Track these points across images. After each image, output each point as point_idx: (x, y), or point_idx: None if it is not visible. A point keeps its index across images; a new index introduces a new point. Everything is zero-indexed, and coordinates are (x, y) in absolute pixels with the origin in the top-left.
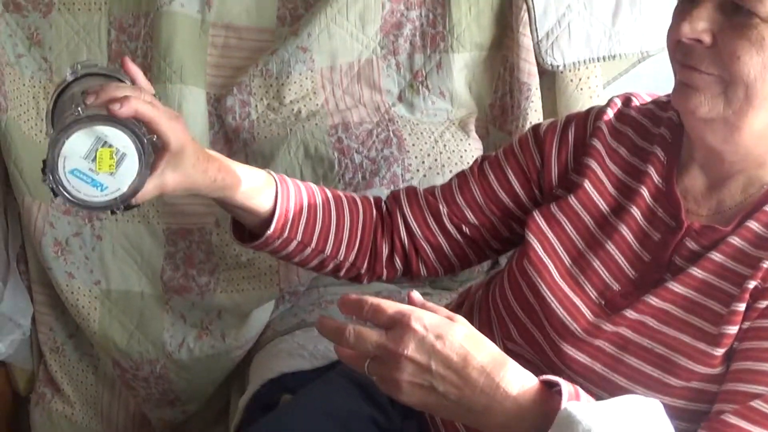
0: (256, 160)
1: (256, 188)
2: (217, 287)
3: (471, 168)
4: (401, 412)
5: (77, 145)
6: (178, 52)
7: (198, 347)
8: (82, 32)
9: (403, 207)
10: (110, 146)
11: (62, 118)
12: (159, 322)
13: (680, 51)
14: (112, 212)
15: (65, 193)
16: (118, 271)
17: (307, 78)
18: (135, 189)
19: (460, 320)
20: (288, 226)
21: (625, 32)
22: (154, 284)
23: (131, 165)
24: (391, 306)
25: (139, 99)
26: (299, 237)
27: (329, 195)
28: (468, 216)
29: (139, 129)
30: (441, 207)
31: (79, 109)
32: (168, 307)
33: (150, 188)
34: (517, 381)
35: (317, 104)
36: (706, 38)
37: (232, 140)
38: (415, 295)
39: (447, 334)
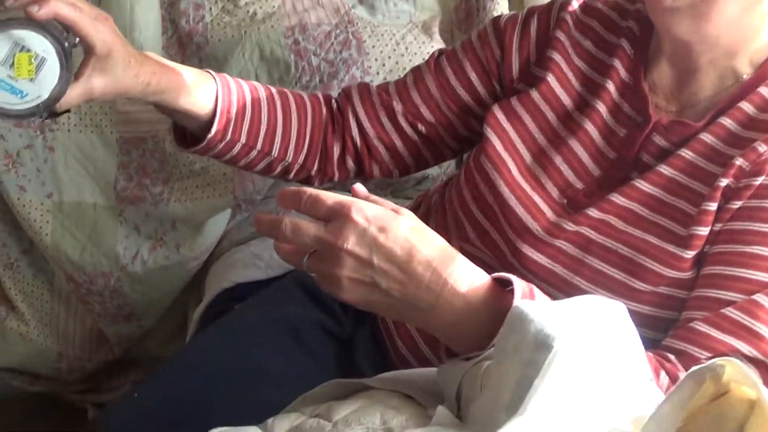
0: (210, 64)
1: (194, 89)
2: (171, 197)
3: (427, 62)
4: (353, 319)
5: None
6: None
7: (152, 259)
8: None
9: (355, 104)
10: (28, 51)
11: None
12: (112, 233)
13: None
14: (40, 118)
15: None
16: (71, 183)
17: None
18: (57, 95)
19: (406, 212)
20: (230, 127)
21: None
22: (107, 195)
23: (52, 70)
24: (330, 197)
25: (59, 0)
26: (243, 139)
27: (274, 93)
28: (423, 113)
29: (60, 32)
30: (395, 104)
31: None
32: (122, 219)
33: (75, 94)
34: (467, 277)
35: (274, 6)
36: None
37: (185, 45)
38: (359, 187)
39: (390, 227)
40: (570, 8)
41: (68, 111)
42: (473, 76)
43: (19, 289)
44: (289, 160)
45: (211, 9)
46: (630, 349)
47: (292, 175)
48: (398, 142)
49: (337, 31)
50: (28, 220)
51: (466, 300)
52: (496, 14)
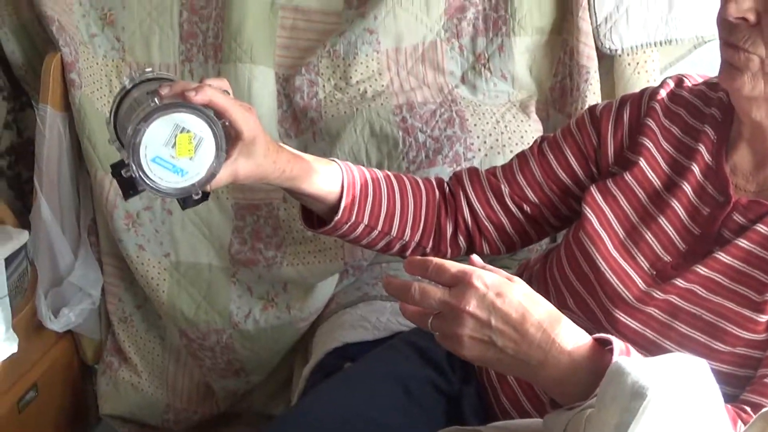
0: (323, 138)
1: (322, 177)
2: (283, 260)
3: (531, 148)
4: (461, 377)
5: (157, 132)
6: (248, 33)
7: (264, 318)
8: (154, 13)
9: (466, 187)
10: (188, 132)
11: (134, 114)
12: (226, 293)
13: (726, 29)
14: (189, 202)
15: (147, 182)
16: (187, 244)
17: (373, 59)
18: (213, 172)
19: (518, 281)
20: (355, 211)
21: (682, 17)
22: (221, 257)
23: (208, 149)
24: (454, 265)
25: (212, 88)
26: (366, 221)
27: (393, 179)
28: (529, 195)
29: (214, 116)
30: (503, 187)
31: (156, 100)
32: (235, 279)
33: (224, 175)
34: (572, 337)
35: (383, 85)
36: (751, 16)
37: (299, 119)
38: (476, 258)
39: (506, 292)
40: (659, 97)
41: (211, 193)
42: (573, 161)
43: (132, 342)
44: (407, 239)
45: (324, 86)
46: (711, 401)
47: (408, 252)
48: (506, 222)
49: (442, 110)
50: (145, 278)
51: (571, 357)
52: (589, 95)
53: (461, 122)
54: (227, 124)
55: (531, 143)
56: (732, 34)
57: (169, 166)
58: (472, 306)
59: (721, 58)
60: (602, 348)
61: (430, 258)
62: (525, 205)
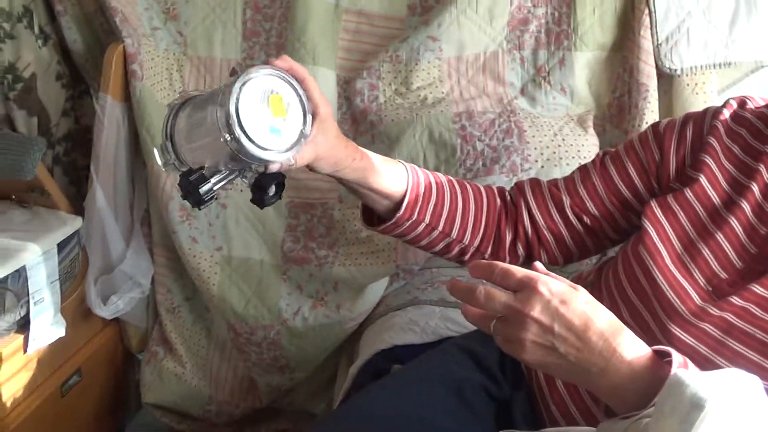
0: (382, 141)
1: (388, 172)
2: (335, 260)
3: (593, 162)
4: (512, 383)
5: (251, 94)
6: (312, 35)
7: (313, 316)
8: (218, 9)
9: (528, 197)
10: (278, 93)
11: (221, 91)
12: (276, 290)
13: None
14: (267, 200)
15: (252, 144)
16: (240, 239)
17: (434, 66)
18: (305, 135)
19: (582, 289)
20: (417, 208)
21: (741, 41)
22: (273, 254)
23: (297, 113)
24: (519, 270)
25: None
26: (427, 219)
27: (455, 182)
28: (589, 207)
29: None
30: (564, 198)
31: (239, 74)
32: (286, 277)
33: (306, 152)
34: (632, 348)
35: (443, 92)
36: None
37: (359, 121)
38: (539, 265)
39: (570, 300)
40: (722, 117)
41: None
42: (634, 176)
43: (178, 333)
44: (466, 243)
45: (384, 90)
46: (765, 416)
47: (467, 257)
48: (565, 233)
49: (501, 120)
50: (197, 270)
51: (631, 367)
52: (647, 113)
53: (519, 133)
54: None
55: (588, 157)
56: None
57: (266, 126)
58: (537, 311)
59: None
60: (661, 360)
61: (496, 262)
62: (585, 217)
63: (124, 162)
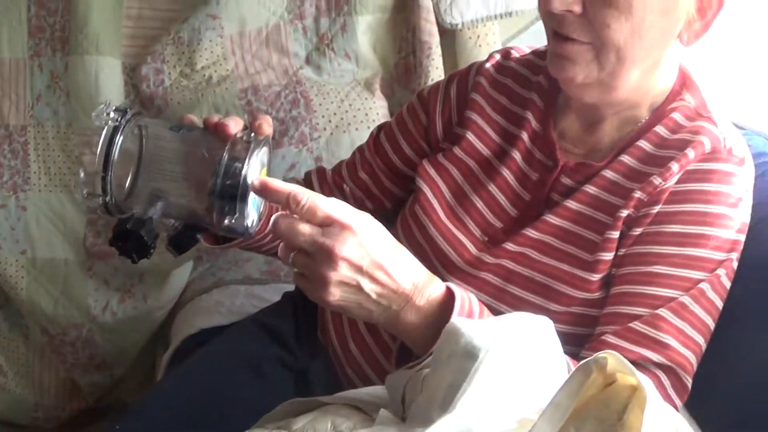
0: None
1: None
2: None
3: (368, 142)
4: (308, 353)
5: (254, 169)
6: (94, 25)
7: (121, 310)
8: (1, 8)
9: (314, 188)
10: (266, 165)
11: (221, 155)
12: (83, 287)
13: (552, 20)
14: (188, 246)
15: (249, 225)
16: (43, 240)
17: (217, 44)
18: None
19: (383, 228)
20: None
21: None
22: (77, 251)
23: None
24: (328, 205)
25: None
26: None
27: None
28: (372, 188)
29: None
30: (346, 186)
31: (246, 136)
32: (91, 273)
33: None
34: (431, 288)
35: (227, 69)
36: (577, 8)
37: (147, 107)
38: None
39: (379, 238)
40: (485, 71)
41: None
42: (406, 148)
43: None
44: None
45: (170, 73)
46: (551, 357)
47: None
48: None
49: (287, 91)
50: (3, 276)
51: (426, 308)
52: (432, 70)
53: (306, 103)
54: None
55: (376, 120)
56: (560, 26)
57: (255, 203)
58: (347, 250)
59: (550, 50)
60: (450, 303)
61: (300, 191)
62: (368, 202)
63: None
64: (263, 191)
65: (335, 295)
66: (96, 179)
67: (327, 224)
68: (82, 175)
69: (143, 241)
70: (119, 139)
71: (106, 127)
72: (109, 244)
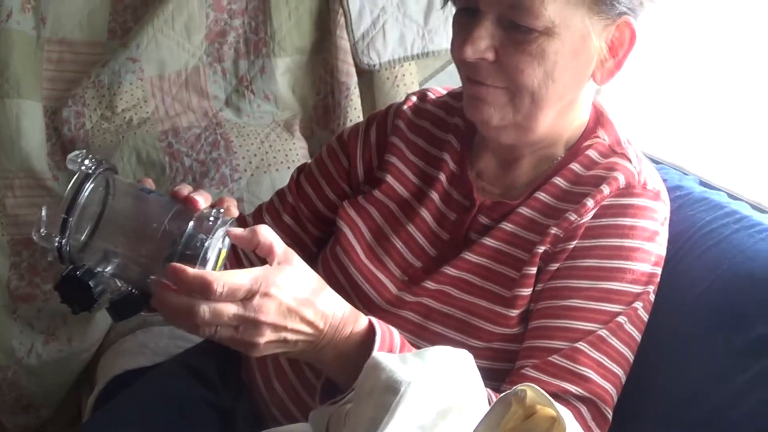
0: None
1: None
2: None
3: (289, 186)
4: (232, 392)
5: (216, 246)
6: (14, 68)
7: (46, 352)
8: None
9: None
10: (224, 249)
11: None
12: (8, 330)
13: (466, 67)
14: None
15: None
16: None
17: (137, 87)
18: None
19: (298, 269)
20: None
21: (438, 30)
22: (1, 294)
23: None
24: (244, 279)
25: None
26: None
27: None
28: (296, 231)
29: None
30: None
31: (214, 213)
32: (15, 316)
33: None
34: (353, 325)
35: (148, 112)
36: (489, 55)
37: (68, 150)
38: (264, 228)
39: (298, 291)
40: (402, 114)
41: None
42: (328, 191)
43: None
44: None
45: (90, 116)
46: (471, 389)
47: None
48: None
49: (207, 133)
50: None
51: (347, 344)
52: (350, 110)
53: (226, 144)
54: None
55: (296, 161)
56: (475, 73)
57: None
58: (271, 316)
59: (465, 92)
60: (372, 338)
61: (214, 276)
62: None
63: None
64: (175, 276)
65: (266, 351)
66: (57, 220)
67: (250, 297)
68: (43, 213)
69: (90, 293)
70: (89, 186)
71: (78, 173)
72: (54, 288)
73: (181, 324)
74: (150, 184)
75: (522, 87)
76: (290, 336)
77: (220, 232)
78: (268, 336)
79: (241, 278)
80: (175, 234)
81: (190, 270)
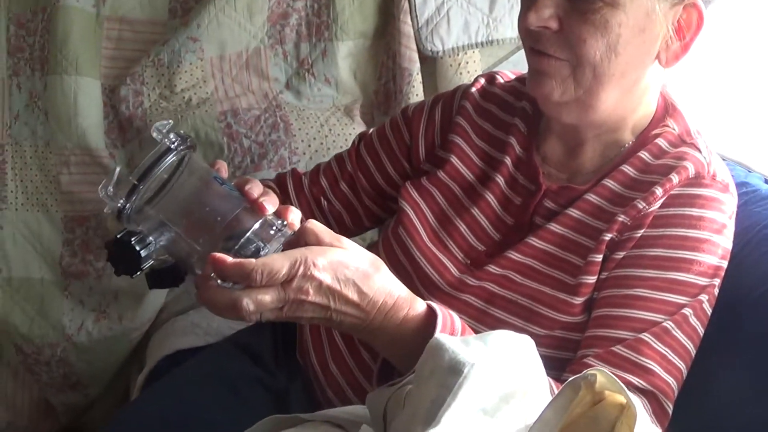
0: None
1: None
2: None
3: (349, 152)
4: (287, 374)
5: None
6: (73, 45)
7: (96, 330)
8: None
9: (291, 197)
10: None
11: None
12: (59, 306)
13: (530, 37)
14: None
15: None
16: (19, 259)
17: (197, 67)
18: None
19: (351, 250)
20: None
21: (503, 19)
22: (53, 270)
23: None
24: (283, 263)
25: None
26: None
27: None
28: (352, 201)
29: None
30: (323, 201)
31: (279, 225)
32: (67, 293)
33: None
34: (406, 307)
35: (207, 92)
36: (553, 24)
37: (126, 129)
38: (314, 223)
39: (341, 272)
40: (470, 96)
41: None
42: (388, 164)
43: None
44: None
45: (149, 95)
46: (533, 374)
47: None
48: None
49: (266, 115)
50: None
51: (404, 326)
52: (412, 97)
53: (286, 127)
54: None
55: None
56: (537, 42)
57: None
58: (312, 296)
59: (529, 66)
60: (432, 320)
61: (252, 264)
62: (346, 216)
63: None
64: (214, 264)
65: (311, 322)
66: (128, 183)
67: (290, 279)
68: (116, 171)
69: (138, 261)
70: (168, 160)
71: (160, 144)
72: (104, 246)
73: (226, 316)
74: (224, 171)
75: (584, 58)
76: (335, 316)
77: (276, 243)
78: (311, 313)
79: (280, 262)
80: (235, 233)
81: (230, 259)
